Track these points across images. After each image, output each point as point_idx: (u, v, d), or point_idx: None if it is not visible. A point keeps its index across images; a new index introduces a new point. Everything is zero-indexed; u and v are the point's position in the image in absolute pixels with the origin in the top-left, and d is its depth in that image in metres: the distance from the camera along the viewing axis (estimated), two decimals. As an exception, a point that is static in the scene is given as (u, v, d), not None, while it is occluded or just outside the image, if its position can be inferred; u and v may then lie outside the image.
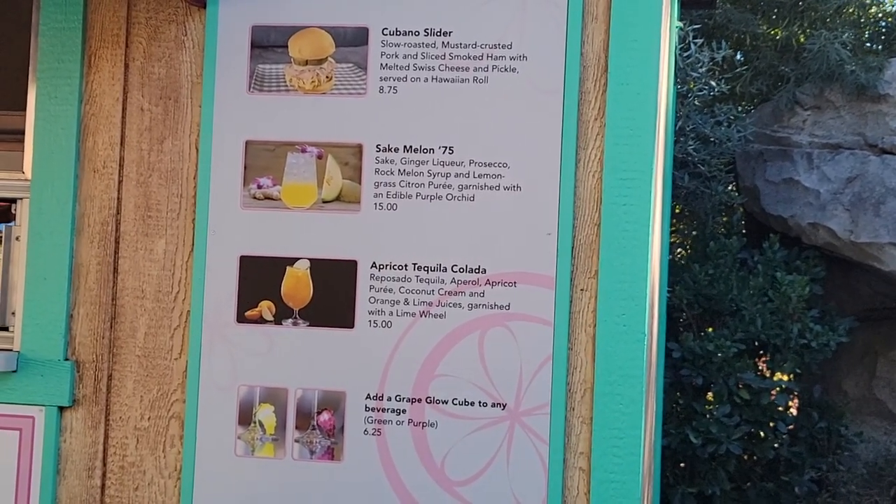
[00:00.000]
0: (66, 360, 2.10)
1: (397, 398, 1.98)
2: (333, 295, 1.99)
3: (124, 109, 2.11)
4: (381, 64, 2.00)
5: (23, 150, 2.15)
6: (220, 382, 2.03)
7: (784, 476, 3.33)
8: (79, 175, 2.12)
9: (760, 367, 3.51)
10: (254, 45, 2.05)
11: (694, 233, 4.05)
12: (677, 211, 4.04)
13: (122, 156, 2.11)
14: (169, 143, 2.09)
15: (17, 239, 2.15)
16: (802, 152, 3.77)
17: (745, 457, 3.33)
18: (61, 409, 2.10)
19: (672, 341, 3.33)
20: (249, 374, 2.02)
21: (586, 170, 1.95)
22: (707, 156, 3.73)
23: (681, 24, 3.63)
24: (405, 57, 2.00)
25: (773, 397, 3.29)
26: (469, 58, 1.98)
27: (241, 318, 2.03)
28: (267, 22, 2.05)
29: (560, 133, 1.94)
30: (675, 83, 3.46)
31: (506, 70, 1.97)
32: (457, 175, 1.97)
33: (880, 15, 4.31)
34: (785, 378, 3.41)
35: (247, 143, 2.04)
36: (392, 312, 1.98)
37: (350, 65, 2.02)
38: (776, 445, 3.28)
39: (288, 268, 2.02)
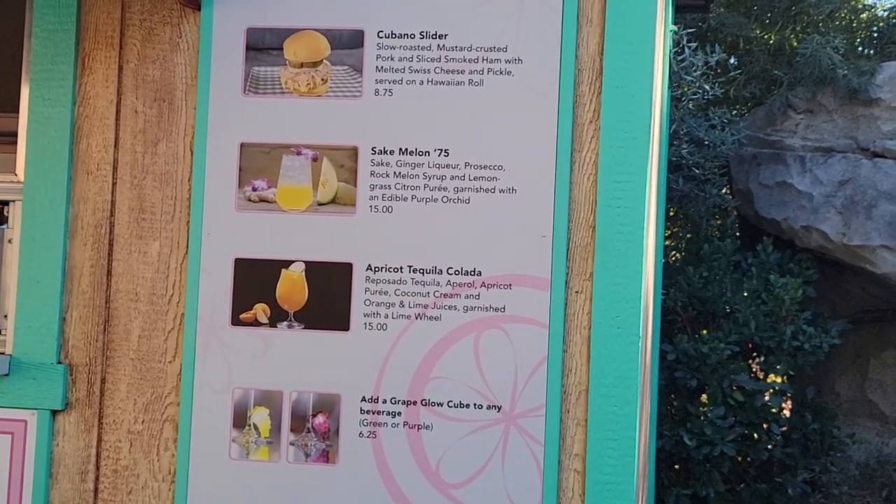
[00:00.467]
0: (59, 363, 2.09)
1: (392, 401, 1.97)
2: (329, 297, 1.99)
3: (118, 111, 2.10)
4: (377, 66, 2.00)
5: (16, 153, 2.14)
6: (214, 385, 2.02)
7: (777, 477, 3.34)
8: (72, 177, 2.11)
9: (754, 369, 3.52)
10: (249, 48, 2.04)
11: (688, 235, 4.06)
12: (671, 214, 4.05)
13: (116, 158, 2.11)
14: (163, 145, 2.09)
15: (9, 242, 2.14)
16: (795, 156, 3.79)
17: (739, 458, 3.34)
18: (54, 412, 2.08)
19: (666, 343, 3.34)
20: (244, 377, 2.01)
21: (581, 172, 1.95)
22: (701, 159, 3.74)
23: (675, 28, 3.65)
24: (400, 59, 2.00)
25: (766, 399, 3.31)
26: (464, 60, 1.98)
27: (235, 321, 2.02)
28: (262, 24, 2.05)
29: (555, 135, 1.95)
30: (670, 87, 3.48)
31: (501, 73, 1.97)
32: (452, 177, 1.98)
33: (872, 20, 4.34)
34: (778, 380, 3.43)
35: (242, 145, 2.04)
36: (387, 315, 1.98)
37: (345, 67, 2.02)
38: (770, 447, 3.30)
39: (283, 270, 2.01)
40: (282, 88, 2.03)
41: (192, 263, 2.03)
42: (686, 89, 3.81)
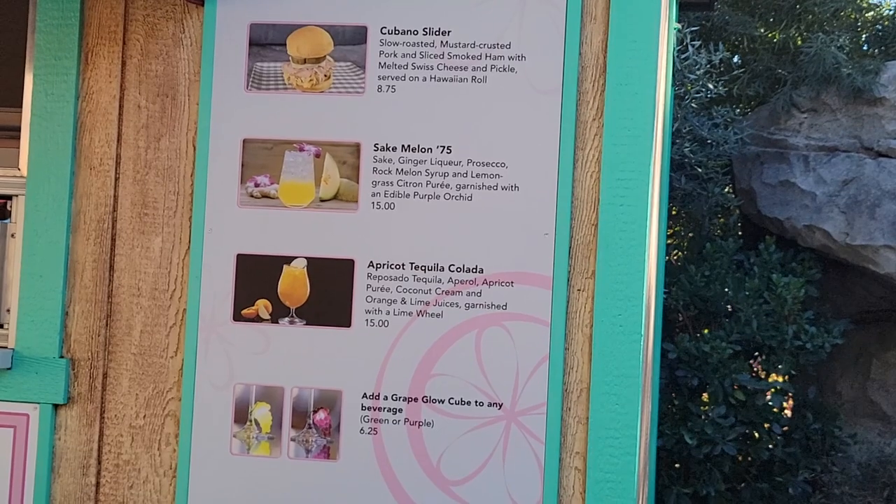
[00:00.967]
0: (62, 357, 2.09)
1: (394, 397, 1.97)
2: (330, 294, 1.99)
3: (121, 107, 2.11)
4: (380, 63, 2.00)
5: (19, 147, 2.14)
6: (215, 381, 2.02)
7: (778, 477, 3.34)
8: (75, 172, 2.11)
9: (755, 369, 3.52)
10: (252, 43, 2.04)
11: (690, 234, 4.06)
12: (674, 212, 4.05)
13: (119, 153, 2.11)
14: (166, 140, 2.09)
15: (12, 236, 2.15)
16: (799, 155, 3.78)
17: (740, 457, 3.34)
18: (56, 406, 2.09)
19: (668, 342, 3.34)
20: (245, 373, 2.02)
21: (584, 170, 1.95)
22: (704, 158, 3.74)
23: (679, 26, 3.64)
24: (404, 56, 2.00)
25: (767, 398, 3.30)
26: (468, 57, 1.98)
27: (237, 317, 2.02)
28: (265, 20, 2.04)
29: (558, 133, 1.94)
30: (673, 85, 3.47)
31: (504, 70, 1.97)
32: (455, 174, 1.97)
33: (877, 18, 4.33)
34: (780, 379, 3.42)
35: (244, 141, 2.04)
36: (389, 311, 1.98)
37: (348, 63, 2.02)
38: (771, 446, 3.30)
39: (285, 266, 2.01)
40: (285, 84, 2.03)
41: (195, 259, 2.04)
42: (689, 87, 3.81)
